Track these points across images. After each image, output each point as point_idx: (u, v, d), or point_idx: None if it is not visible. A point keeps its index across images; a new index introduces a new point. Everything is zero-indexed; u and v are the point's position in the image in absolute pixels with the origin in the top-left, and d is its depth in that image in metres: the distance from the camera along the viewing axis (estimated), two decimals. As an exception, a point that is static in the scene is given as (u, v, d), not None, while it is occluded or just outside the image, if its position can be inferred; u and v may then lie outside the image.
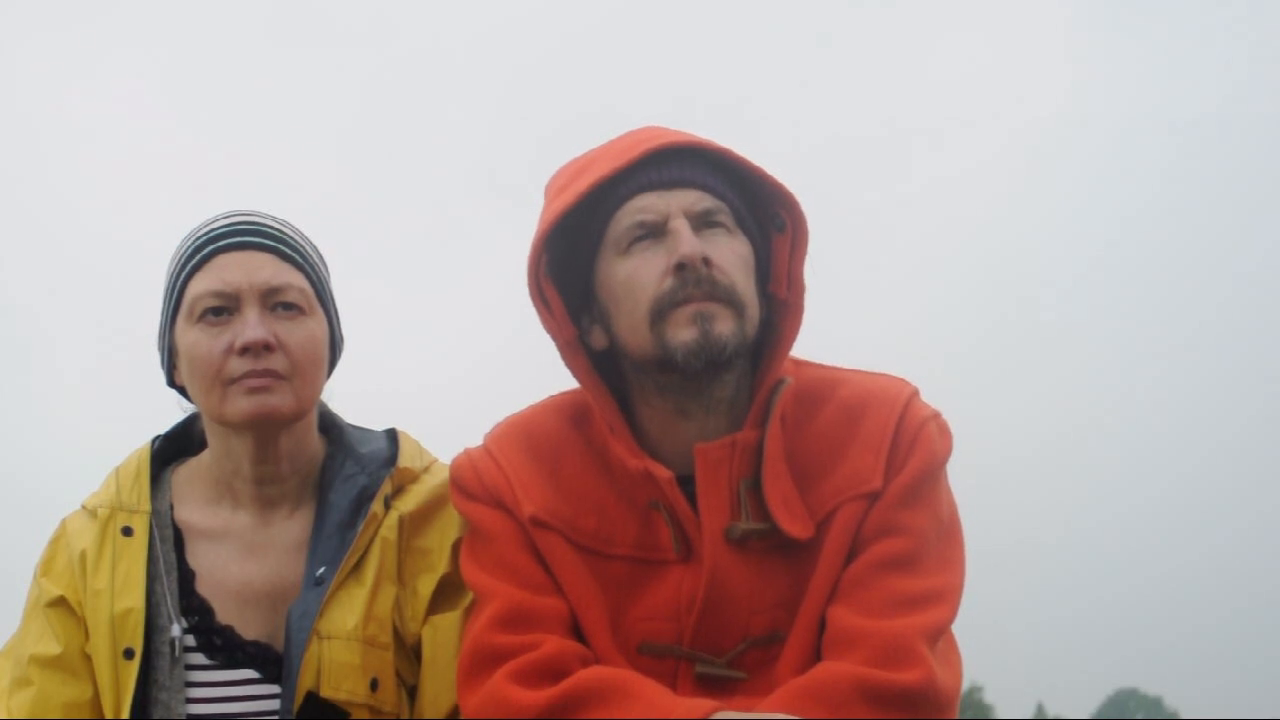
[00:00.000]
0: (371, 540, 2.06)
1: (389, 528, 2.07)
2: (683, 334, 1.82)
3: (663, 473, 1.87)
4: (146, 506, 2.09)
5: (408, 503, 2.10)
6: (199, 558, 2.08)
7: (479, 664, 1.85)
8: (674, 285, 1.83)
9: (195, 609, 2.05)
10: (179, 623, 2.02)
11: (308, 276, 2.07)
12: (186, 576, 2.06)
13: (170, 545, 2.07)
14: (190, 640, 2.03)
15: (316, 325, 2.07)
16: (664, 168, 1.87)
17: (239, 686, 2.03)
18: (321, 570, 2.02)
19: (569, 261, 1.92)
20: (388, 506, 2.09)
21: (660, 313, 1.83)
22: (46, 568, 2.10)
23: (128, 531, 2.07)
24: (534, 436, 1.97)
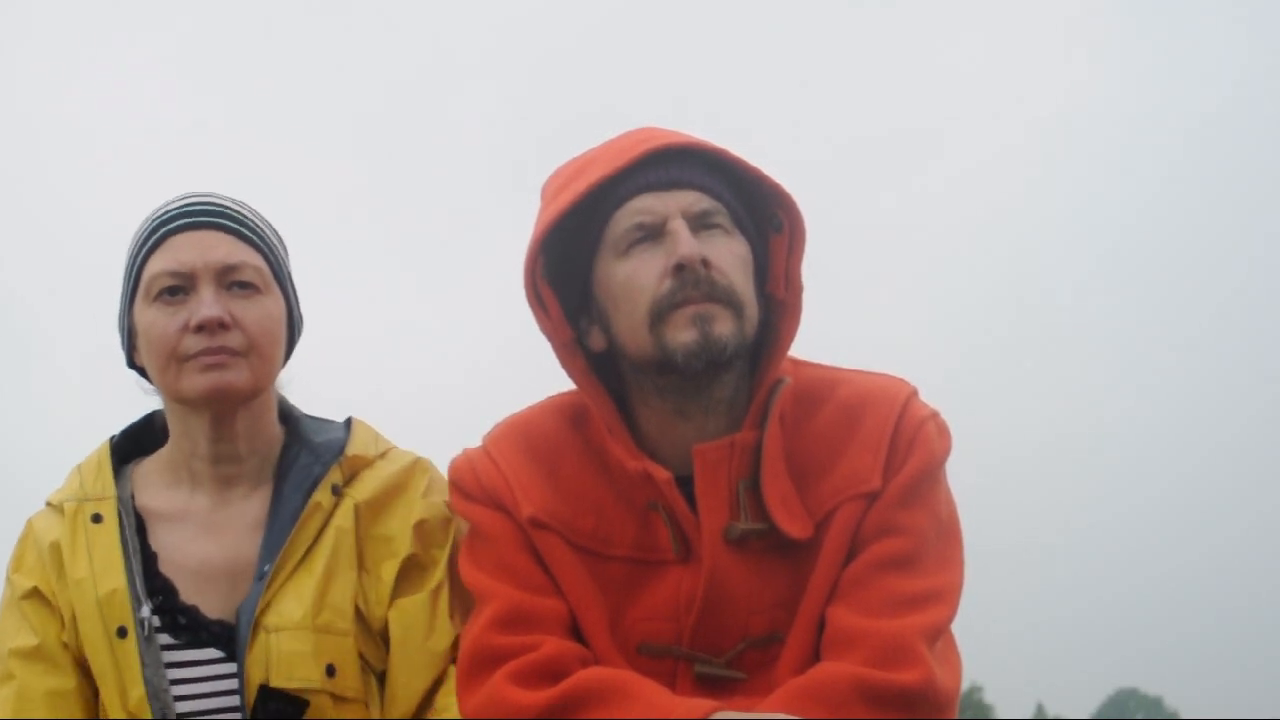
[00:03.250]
0: (323, 529, 2.07)
1: (344, 515, 2.08)
2: (682, 335, 1.82)
3: (661, 473, 1.87)
4: (112, 493, 2.11)
5: (362, 490, 2.11)
6: (160, 538, 2.09)
7: (478, 665, 1.86)
8: (673, 287, 1.83)
9: (159, 589, 2.06)
10: (146, 603, 2.03)
11: (264, 255, 2.08)
12: (149, 558, 2.08)
13: (133, 530, 2.09)
14: (156, 621, 2.04)
15: (273, 304, 2.08)
16: (662, 169, 1.87)
17: (204, 666, 2.03)
18: (266, 567, 2.03)
19: (566, 263, 1.92)
20: (337, 494, 2.09)
21: (659, 314, 1.83)
22: (17, 564, 2.12)
23: (97, 518, 2.08)
24: (532, 437, 1.97)
